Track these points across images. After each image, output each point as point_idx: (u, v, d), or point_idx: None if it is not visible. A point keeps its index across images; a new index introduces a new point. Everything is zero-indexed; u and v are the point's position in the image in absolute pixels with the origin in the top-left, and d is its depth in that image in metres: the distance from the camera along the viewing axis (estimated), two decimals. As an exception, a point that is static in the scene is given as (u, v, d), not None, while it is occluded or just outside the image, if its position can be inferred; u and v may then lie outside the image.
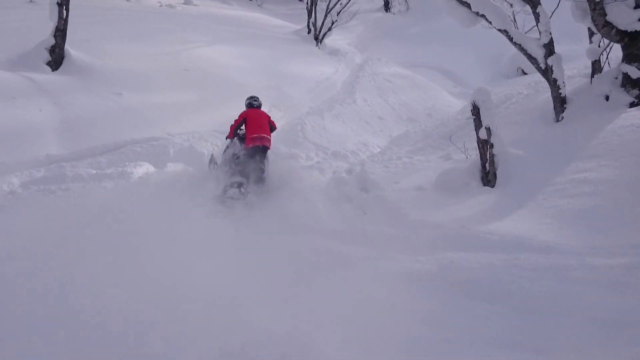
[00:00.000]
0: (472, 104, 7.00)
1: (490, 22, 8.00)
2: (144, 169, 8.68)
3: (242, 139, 8.28)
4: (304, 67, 17.25)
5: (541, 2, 7.95)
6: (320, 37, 20.79)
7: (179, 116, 11.00)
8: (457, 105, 18.04)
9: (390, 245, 5.46)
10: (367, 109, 15.51)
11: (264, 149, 8.05)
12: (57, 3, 11.31)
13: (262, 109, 9.07)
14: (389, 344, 3.93)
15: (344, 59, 20.03)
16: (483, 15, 8.01)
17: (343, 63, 19.48)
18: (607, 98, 7.61)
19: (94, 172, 8.17)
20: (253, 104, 8.72)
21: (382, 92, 17.41)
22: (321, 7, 21.46)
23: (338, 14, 21.10)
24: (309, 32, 21.33)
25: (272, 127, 8.49)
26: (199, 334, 4.04)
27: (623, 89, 7.50)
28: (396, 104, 16.70)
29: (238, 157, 7.94)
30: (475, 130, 6.91)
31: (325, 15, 20.72)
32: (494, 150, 6.72)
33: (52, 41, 11.32)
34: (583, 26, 8.35)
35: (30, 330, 4.16)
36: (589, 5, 7.49)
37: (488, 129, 6.71)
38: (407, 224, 5.90)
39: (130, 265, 4.98)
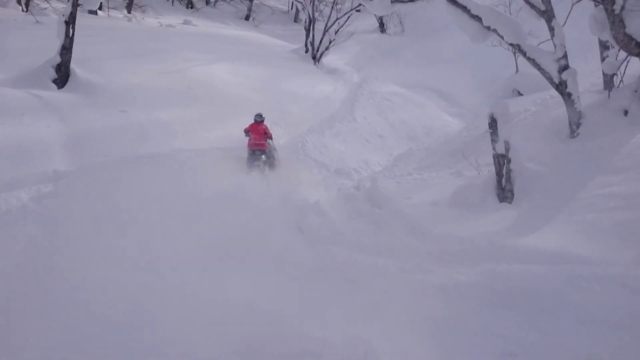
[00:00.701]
0: (489, 116, 6.82)
1: (502, 37, 7.90)
2: (145, 183, 8.48)
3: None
4: (303, 85, 17.11)
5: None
6: (318, 56, 20.74)
7: (183, 132, 10.82)
8: (454, 125, 17.99)
9: (420, 258, 5.20)
10: (367, 127, 15.38)
11: (261, 151, 10.52)
12: (65, 21, 11.22)
13: (266, 122, 10.87)
14: (452, 357, 3.75)
15: (342, 78, 19.95)
16: (495, 30, 7.90)
17: (341, 81, 19.38)
18: (625, 113, 7.44)
19: (102, 187, 7.97)
20: (256, 119, 10.86)
21: (381, 110, 17.30)
22: (318, 27, 21.45)
23: (336, 32, 21.07)
24: (307, 51, 21.29)
25: (268, 136, 10.83)
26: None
27: (642, 103, 7.37)
28: (396, 122, 16.59)
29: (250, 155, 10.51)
30: (492, 144, 6.75)
31: (323, 35, 20.69)
32: (512, 165, 6.54)
33: (58, 59, 11.22)
34: (583, 43, 8.28)
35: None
36: (608, 18, 7.31)
37: (507, 143, 6.55)
38: (431, 238, 5.67)
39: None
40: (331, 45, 20.83)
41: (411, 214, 6.55)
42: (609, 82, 8.16)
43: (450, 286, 4.47)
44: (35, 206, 6.95)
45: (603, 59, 9.95)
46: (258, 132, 10.59)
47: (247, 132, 10.63)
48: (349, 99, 17.37)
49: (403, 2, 8.17)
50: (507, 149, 6.54)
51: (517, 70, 24.36)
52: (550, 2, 7.85)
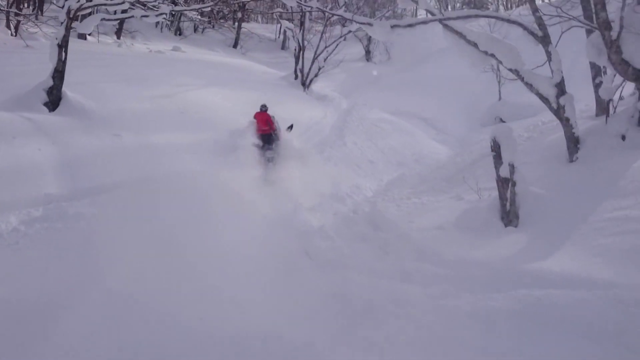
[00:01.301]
0: (492, 140, 6.71)
1: (500, 62, 7.86)
2: (144, 208, 8.24)
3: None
4: (293, 111, 17.05)
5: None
6: (307, 83, 20.73)
7: (177, 157, 10.60)
8: (442, 151, 18.01)
9: (442, 283, 5.00)
10: (357, 152, 15.31)
11: (268, 136, 12.19)
12: (58, 45, 11.02)
13: None
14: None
15: (331, 104, 19.93)
16: (493, 55, 7.87)
17: (331, 108, 19.35)
18: (623, 138, 7.40)
19: (96, 211, 7.72)
20: (261, 108, 12.56)
21: (371, 136, 17.26)
22: (307, 55, 21.50)
23: (325, 60, 21.11)
24: (296, 77, 21.27)
25: (270, 122, 12.38)
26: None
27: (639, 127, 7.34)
28: (385, 148, 16.54)
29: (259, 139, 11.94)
30: (495, 168, 6.61)
31: (313, 62, 20.72)
32: (516, 189, 6.42)
33: (50, 82, 10.95)
34: (566, 70, 8.22)
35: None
36: (605, 44, 7.32)
37: (512, 166, 6.44)
38: (445, 262, 5.48)
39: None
40: (320, 72, 20.85)
41: (418, 238, 6.38)
42: (606, 107, 8.12)
43: (483, 313, 4.23)
44: (27, 230, 6.65)
45: (595, 85, 10.01)
46: (262, 119, 12.42)
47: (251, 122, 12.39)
48: (338, 125, 17.32)
49: (402, 27, 8.09)
50: (512, 172, 6.43)
51: (499, 99, 24.64)
52: (547, 28, 7.86)
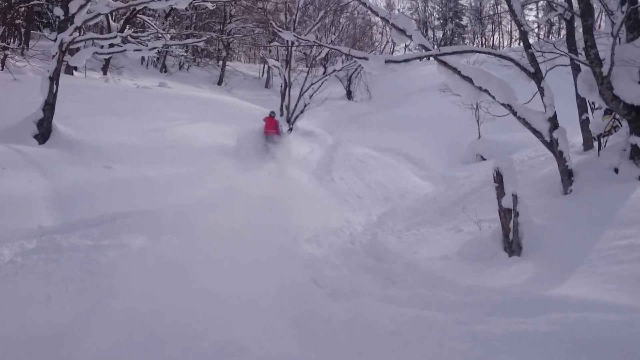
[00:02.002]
0: (495, 171, 6.69)
1: (493, 97, 7.92)
2: (140, 240, 8.08)
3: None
4: (280, 147, 17.10)
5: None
6: (293, 119, 20.79)
7: (170, 189, 10.47)
8: (425, 187, 18.07)
9: (464, 309, 4.81)
10: (345, 187, 15.27)
11: (270, 136, 15.61)
12: (49, 77, 10.90)
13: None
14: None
15: (317, 140, 20.00)
16: (486, 90, 7.93)
17: (317, 143, 19.42)
18: (616, 171, 7.46)
19: (91, 243, 7.51)
20: (270, 114, 16.19)
21: (357, 171, 17.25)
22: (292, 93, 21.66)
23: (310, 97, 21.25)
24: (282, 114, 21.36)
25: (276, 126, 16.12)
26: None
27: (632, 161, 7.40)
28: (372, 183, 16.52)
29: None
30: (498, 198, 6.56)
31: (299, 98, 20.85)
32: (519, 219, 6.39)
33: (41, 115, 10.78)
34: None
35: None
36: (596, 79, 7.43)
37: (515, 197, 6.41)
38: (462, 289, 5.34)
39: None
40: (306, 109, 20.96)
41: (425, 267, 6.27)
42: (597, 141, 8.20)
43: (517, 337, 4.07)
44: (24, 261, 6.41)
45: (582, 121, 10.14)
46: (270, 124, 16.23)
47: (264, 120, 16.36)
48: (325, 160, 17.34)
49: (397, 62, 8.14)
50: (515, 203, 6.40)
51: (479, 137, 24.96)
52: (539, 64, 7.96)
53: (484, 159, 23.51)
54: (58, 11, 11.67)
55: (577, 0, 8.25)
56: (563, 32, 42.05)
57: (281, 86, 22.15)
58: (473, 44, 57.01)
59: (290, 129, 17.51)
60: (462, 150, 24.94)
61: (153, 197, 9.81)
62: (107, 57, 17.91)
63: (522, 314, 4.44)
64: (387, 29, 56.95)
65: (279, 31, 9.39)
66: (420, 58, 8.36)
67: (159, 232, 8.57)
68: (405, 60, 8.13)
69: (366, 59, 8.23)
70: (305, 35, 8.90)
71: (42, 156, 9.92)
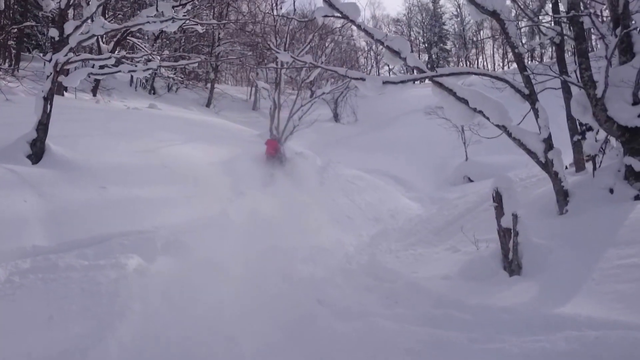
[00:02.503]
0: (494, 191, 6.69)
1: (488, 118, 7.96)
2: (135, 261, 7.94)
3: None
4: (270, 167, 17.08)
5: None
6: (282, 141, 20.77)
7: (163, 210, 10.34)
8: (415, 208, 18.10)
9: (476, 327, 4.73)
10: (335, 208, 15.25)
11: (272, 156, 16.22)
12: (44, 97, 10.80)
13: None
14: None
15: (306, 161, 19.99)
16: (481, 112, 7.98)
17: (306, 165, 19.41)
18: (611, 191, 7.50)
19: (86, 263, 7.37)
20: (273, 137, 17.61)
21: (347, 192, 17.26)
22: (282, 115, 21.68)
23: (300, 118, 21.29)
24: (271, 135, 21.33)
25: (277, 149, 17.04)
26: None
27: (626, 181, 7.45)
28: (362, 204, 16.52)
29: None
30: (497, 218, 6.56)
31: (288, 120, 20.87)
32: (519, 239, 6.38)
33: (34, 135, 10.64)
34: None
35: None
36: (590, 101, 7.52)
37: (515, 216, 6.41)
38: (469, 308, 5.25)
39: None
40: (295, 130, 20.98)
41: (428, 287, 6.20)
42: (592, 162, 8.27)
43: (537, 354, 4.00)
44: (22, 280, 6.25)
45: (574, 143, 10.25)
46: (272, 146, 17.20)
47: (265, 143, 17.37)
48: (315, 181, 17.31)
49: (394, 83, 8.16)
50: (515, 222, 6.39)
51: (466, 159, 25.16)
52: (533, 86, 8.04)
53: (471, 181, 23.69)
54: (53, 32, 11.61)
55: (569, 24, 8.38)
56: (546, 55, 42.82)
57: (270, 108, 22.13)
58: (457, 67, 57.70)
59: (300, 153, 18.66)
60: (450, 171, 25.10)
61: (147, 218, 9.68)
62: (101, 77, 17.83)
63: (535, 332, 4.40)
64: (372, 53, 57.51)
65: (277, 52, 9.40)
66: (417, 80, 8.39)
67: (154, 253, 8.47)
68: (402, 82, 8.15)
69: (363, 79, 8.24)
70: (299, 56, 8.90)
71: (36, 176, 9.76)
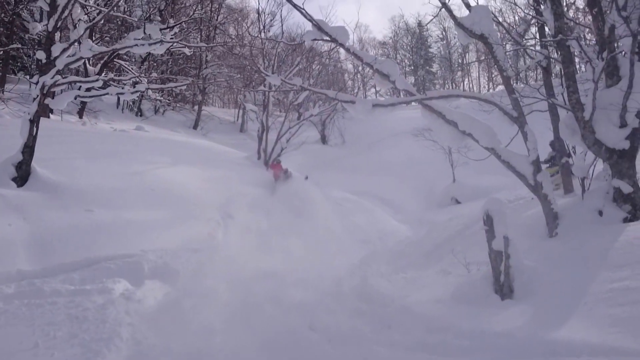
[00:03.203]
0: (485, 213, 6.68)
1: (477, 141, 7.99)
2: (123, 285, 7.83)
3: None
4: (258, 189, 17.04)
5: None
6: (270, 163, 20.78)
7: (151, 233, 10.23)
8: (403, 230, 18.12)
9: (474, 353, 4.69)
10: (324, 230, 15.21)
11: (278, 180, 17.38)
12: (30, 120, 10.71)
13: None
14: None
15: (294, 183, 19.96)
16: (470, 134, 8.02)
17: (294, 187, 19.36)
18: (600, 213, 7.54)
19: (72, 288, 7.25)
20: (277, 161, 18.93)
21: (335, 214, 17.26)
22: (270, 137, 21.70)
23: (287, 141, 21.32)
24: (259, 157, 21.32)
25: (285, 171, 18.51)
26: None
27: (615, 204, 7.49)
28: (350, 226, 16.51)
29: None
30: (488, 241, 6.55)
31: (276, 142, 20.89)
32: (511, 262, 6.36)
33: (20, 157, 10.51)
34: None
35: None
36: (578, 124, 7.59)
37: (506, 239, 6.40)
38: (464, 333, 5.21)
39: None
40: (283, 152, 20.99)
41: (421, 311, 6.16)
42: (582, 184, 8.31)
43: None
44: (6, 306, 6.12)
45: (562, 165, 10.32)
46: (276, 168, 18.89)
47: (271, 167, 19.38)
48: (304, 203, 17.25)
49: (384, 106, 8.20)
50: (507, 245, 6.38)
51: (454, 181, 25.27)
52: (522, 109, 8.10)
53: (459, 202, 23.77)
54: (40, 54, 11.57)
55: (556, 48, 8.48)
56: (532, 78, 43.38)
57: (258, 130, 22.15)
58: (443, 89, 58.42)
59: (307, 177, 19.65)
60: (437, 193, 25.19)
61: (134, 241, 9.56)
62: (87, 100, 17.74)
63: (532, 357, 4.36)
64: (359, 75, 58.01)
65: (266, 75, 9.41)
66: (407, 102, 8.44)
67: (141, 277, 8.35)
68: (392, 104, 8.19)
69: (353, 102, 8.28)
70: (287, 79, 8.93)
71: (21, 199, 9.63)
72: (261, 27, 25.40)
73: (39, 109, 10.95)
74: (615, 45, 7.67)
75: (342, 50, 32.95)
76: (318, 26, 8.38)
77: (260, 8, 29.31)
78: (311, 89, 8.80)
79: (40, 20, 20.02)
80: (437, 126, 8.43)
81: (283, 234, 13.00)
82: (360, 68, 54.49)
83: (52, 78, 11.04)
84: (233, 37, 34.14)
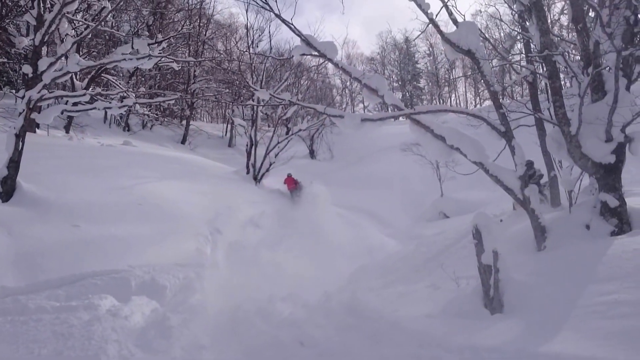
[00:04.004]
0: (474, 227, 6.68)
1: (465, 155, 8.02)
2: (109, 301, 7.73)
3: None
4: (247, 205, 16.98)
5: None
6: (259, 178, 20.74)
7: (138, 249, 10.12)
8: (392, 244, 18.10)
9: None
10: (313, 245, 15.16)
11: (293, 191, 19.37)
12: (15, 134, 10.62)
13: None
14: None
15: (282, 198, 19.97)
16: (458, 149, 8.06)
17: (283, 201, 19.38)
18: (587, 227, 7.58)
19: (58, 304, 7.14)
20: (288, 175, 20.43)
21: (324, 229, 17.23)
22: (258, 151, 21.71)
23: (276, 155, 21.32)
24: (248, 172, 21.29)
25: (296, 182, 20.82)
26: None
27: (602, 217, 7.54)
28: (339, 241, 16.47)
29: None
30: (477, 255, 6.55)
31: (265, 157, 20.88)
32: (500, 275, 6.36)
33: (5, 172, 10.41)
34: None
35: None
36: (565, 138, 7.65)
37: (495, 253, 6.40)
38: (455, 348, 5.15)
39: None
40: (272, 167, 20.98)
41: (411, 326, 6.12)
42: (569, 198, 8.36)
43: None
44: (-10, 324, 6.02)
45: (550, 178, 10.39)
46: (290, 182, 20.78)
47: (285, 183, 21.13)
48: (292, 218, 17.27)
49: (373, 120, 8.22)
50: (496, 259, 6.39)
51: (442, 194, 25.34)
52: (509, 124, 8.15)
53: (447, 217, 23.81)
54: (26, 69, 11.52)
55: (542, 63, 8.57)
56: (518, 93, 43.79)
57: (247, 145, 22.14)
58: (431, 104, 59.06)
59: (312, 182, 21.74)
60: (425, 208, 25.21)
61: (122, 257, 9.46)
62: (74, 114, 17.68)
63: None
64: (347, 90, 58.29)
65: (255, 90, 9.42)
66: (395, 117, 8.47)
67: (128, 293, 8.26)
68: (381, 119, 8.22)
69: (342, 117, 8.29)
70: (276, 94, 8.96)
71: (6, 214, 9.52)
72: (250, 42, 25.49)
73: (25, 123, 10.87)
74: (600, 60, 7.75)
75: (330, 66, 33.16)
76: (307, 41, 8.42)
77: (248, 23, 29.38)
78: (300, 104, 8.81)
79: (27, 35, 19.93)
80: (425, 141, 8.45)
81: (272, 248, 12.97)
82: (348, 83, 54.84)
83: (39, 92, 10.99)
84: (221, 52, 34.20)
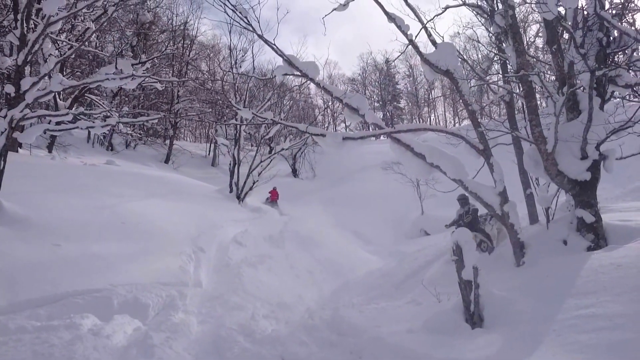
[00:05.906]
0: (454, 244, 6.72)
1: (444, 173, 8.09)
2: (91, 320, 7.60)
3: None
4: (230, 223, 16.88)
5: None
6: (242, 196, 20.66)
7: (120, 267, 9.98)
8: (374, 261, 18.09)
9: None
10: (296, 262, 15.11)
11: (274, 202, 23.46)
12: (-5, 155, 10.49)
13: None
14: None
15: (265, 216, 19.89)
16: (437, 166, 8.12)
17: (266, 220, 19.30)
18: (565, 242, 7.66)
19: (39, 324, 7.00)
20: (275, 188, 24.04)
21: (307, 247, 17.16)
22: (241, 170, 21.67)
23: (259, 174, 21.28)
24: (231, 191, 21.21)
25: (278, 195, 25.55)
26: None
27: (579, 233, 7.62)
28: (322, 259, 16.40)
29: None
30: (457, 271, 6.58)
31: (248, 175, 20.83)
32: (480, 291, 6.39)
33: (-15, 191, 10.28)
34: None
35: None
36: (542, 156, 7.76)
37: (475, 269, 6.43)
38: None
39: None
40: (255, 185, 20.94)
41: (393, 342, 6.10)
42: (546, 214, 8.45)
43: None
44: (-31, 345, 5.87)
45: (527, 195, 10.49)
46: (274, 194, 24.76)
47: (269, 193, 25.17)
48: (276, 237, 17.19)
49: (354, 139, 8.26)
50: (476, 275, 6.42)
51: (422, 212, 25.47)
52: (487, 142, 8.25)
53: (428, 234, 23.93)
54: (9, 88, 11.39)
55: (518, 83, 8.71)
56: (495, 113, 44.35)
57: (230, 164, 22.09)
58: (411, 123, 59.74)
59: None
60: (406, 225, 25.33)
61: (104, 276, 9.33)
62: (57, 134, 17.50)
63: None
64: (329, 110, 58.59)
65: (238, 109, 9.42)
66: (376, 136, 8.52)
67: (110, 312, 8.13)
68: (362, 137, 8.26)
69: (324, 135, 8.32)
70: (259, 113, 8.96)
71: (-13, 233, 9.37)
72: (233, 63, 25.53)
73: (7, 142, 10.73)
74: (575, 80, 7.89)
75: (312, 85, 33.32)
76: (289, 61, 8.47)
77: (232, 44, 29.55)
78: (282, 123, 8.83)
79: (10, 55, 19.78)
80: (405, 159, 8.51)
81: (255, 266, 12.85)
82: (330, 103, 55.15)
83: (21, 111, 10.86)
84: (205, 72, 34.23)
